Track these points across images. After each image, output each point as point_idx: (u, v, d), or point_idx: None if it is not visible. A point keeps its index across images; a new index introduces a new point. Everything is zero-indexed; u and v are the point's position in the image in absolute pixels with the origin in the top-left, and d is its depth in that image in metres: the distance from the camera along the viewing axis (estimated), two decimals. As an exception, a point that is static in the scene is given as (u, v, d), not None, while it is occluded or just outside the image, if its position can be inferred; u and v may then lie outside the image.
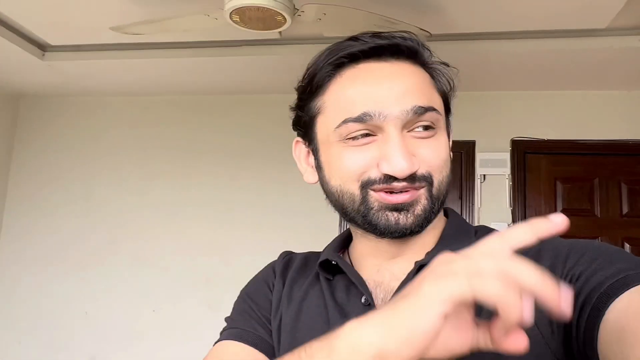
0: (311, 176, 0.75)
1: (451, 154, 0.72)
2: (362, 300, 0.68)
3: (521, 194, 2.97)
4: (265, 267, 0.85)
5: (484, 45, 2.52)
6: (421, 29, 1.98)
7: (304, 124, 0.73)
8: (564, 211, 2.93)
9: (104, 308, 3.18)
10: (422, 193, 0.65)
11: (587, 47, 2.45)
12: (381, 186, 0.64)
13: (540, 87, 2.97)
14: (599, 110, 2.95)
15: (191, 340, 3.00)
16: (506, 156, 2.98)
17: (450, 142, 0.73)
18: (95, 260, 3.24)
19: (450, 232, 0.72)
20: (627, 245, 2.86)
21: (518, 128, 2.99)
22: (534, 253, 0.61)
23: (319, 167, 0.72)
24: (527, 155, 2.99)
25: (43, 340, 3.20)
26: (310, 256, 0.82)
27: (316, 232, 3.06)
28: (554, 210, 2.93)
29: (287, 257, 0.84)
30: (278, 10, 1.83)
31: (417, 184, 0.64)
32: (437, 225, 0.73)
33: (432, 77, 0.70)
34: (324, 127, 0.69)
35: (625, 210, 2.90)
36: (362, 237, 0.72)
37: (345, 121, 0.65)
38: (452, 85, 0.72)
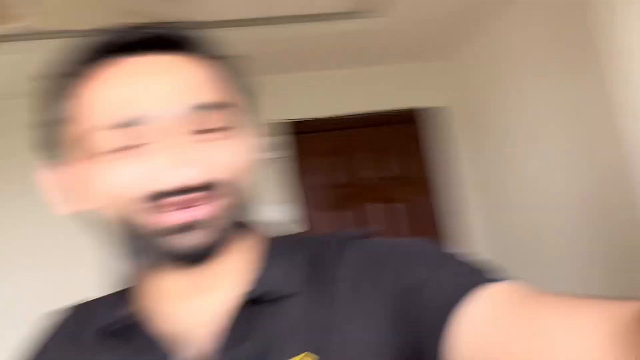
0: (66, 205, 0.57)
1: (260, 157, 0.60)
2: None
3: (296, 174, 3.05)
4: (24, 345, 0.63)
5: (235, 32, 2.45)
6: (168, 20, 1.80)
7: (49, 141, 0.56)
8: (328, 184, 3.09)
9: None
10: (213, 205, 0.52)
11: (318, 30, 2.56)
12: (151, 205, 0.50)
13: (297, 69, 3.05)
14: (345, 87, 3.14)
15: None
16: (277, 139, 3.01)
17: (259, 143, 0.61)
18: None
19: (279, 248, 0.60)
20: (389, 207, 3.13)
21: (283, 110, 3.02)
22: (382, 259, 0.55)
23: (73, 192, 0.56)
24: (295, 135, 3.06)
25: None
26: (86, 310, 0.62)
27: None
28: (321, 184, 3.07)
29: (52, 321, 0.64)
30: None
31: (201, 195, 0.51)
32: (250, 243, 0.59)
33: (220, 71, 0.57)
34: (75, 141, 0.54)
35: (380, 175, 3.15)
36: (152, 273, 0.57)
37: (100, 131, 0.51)
38: (244, 79, 0.60)
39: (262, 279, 0.56)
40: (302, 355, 0.51)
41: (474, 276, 0.50)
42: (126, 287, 0.61)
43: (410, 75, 3.21)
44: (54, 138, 0.56)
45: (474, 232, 3.14)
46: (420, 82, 3.22)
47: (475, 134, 3.11)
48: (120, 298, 0.59)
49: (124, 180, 0.51)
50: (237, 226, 0.55)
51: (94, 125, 0.52)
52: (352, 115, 3.10)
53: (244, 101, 0.59)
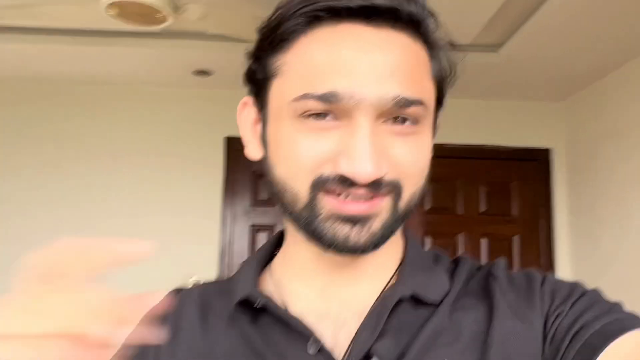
0: (255, 151, 0.58)
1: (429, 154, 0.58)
2: (309, 349, 0.52)
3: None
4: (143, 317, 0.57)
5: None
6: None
7: (257, 82, 0.56)
8: (430, 209, 3.17)
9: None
10: (386, 204, 0.51)
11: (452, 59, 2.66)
12: (336, 188, 0.50)
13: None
14: (460, 116, 3.22)
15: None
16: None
17: (432, 143, 0.58)
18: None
19: (414, 258, 0.59)
20: (483, 241, 3.17)
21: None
22: (537, 287, 0.56)
23: (264, 143, 0.56)
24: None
25: None
26: (213, 289, 0.62)
27: (200, 238, 3.04)
28: (422, 208, 3.16)
29: (178, 299, 0.60)
30: (158, 8, 1.79)
31: (382, 191, 0.50)
32: (396, 245, 0.60)
33: (432, 57, 0.55)
34: (279, 94, 0.52)
35: (482, 208, 3.21)
36: (303, 243, 0.55)
37: (305, 96, 0.49)
38: (452, 71, 0.58)
39: (408, 281, 0.56)
40: None
41: (622, 320, 0.50)
42: (265, 259, 0.62)
43: (520, 113, 3.25)
44: (259, 81, 0.55)
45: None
46: (529, 121, 3.26)
47: (576, 178, 3.09)
48: (259, 269, 0.60)
49: (314, 152, 0.50)
50: (393, 230, 0.53)
51: (298, 86, 0.50)
52: (455, 145, 3.19)
53: (434, 94, 0.56)
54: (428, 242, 3.15)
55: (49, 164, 3.07)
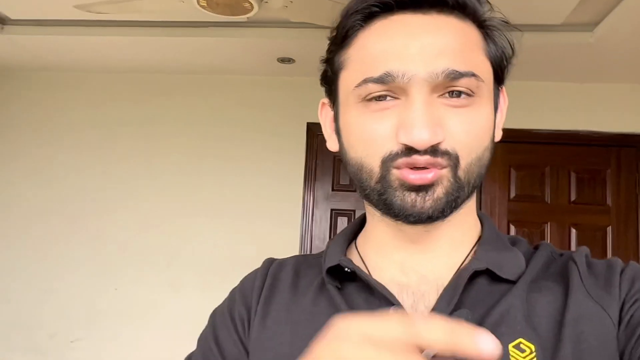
0: (332, 143, 0.65)
1: (497, 134, 0.62)
2: (392, 312, 0.56)
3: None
4: (243, 279, 0.70)
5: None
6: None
7: (329, 80, 0.63)
8: (516, 197, 3.06)
9: (65, 286, 3.17)
10: (446, 173, 0.55)
11: (543, 41, 2.55)
12: (403, 161, 0.54)
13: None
14: (553, 101, 3.08)
15: (152, 319, 3.03)
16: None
17: (499, 119, 0.63)
18: (57, 237, 3.22)
19: (490, 237, 0.62)
20: (573, 231, 3.02)
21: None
22: (616, 273, 0.57)
23: (338, 133, 0.63)
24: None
25: (2, 318, 3.18)
26: (303, 261, 0.69)
27: (281, 221, 3.13)
28: (507, 196, 3.06)
29: (274, 266, 0.69)
30: (246, -2, 1.85)
31: (439, 160, 0.54)
32: (471, 224, 0.64)
33: (486, 37, 0.59)
34: (345, 85, 0.59)
35: (573, 197, 3.06)
36: (381, 221, 0.61)
37: (365, 81, 0.55)
38: (512, 49, 0.62)
39: (483, 257, 0.58)
40: (517, 341, 0.53)
41: None
42: (351, 236, 0.68)
43: (617, 96, 3.05)
44: (330, 79, 0.63)
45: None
46: (627, 105, 3.05)
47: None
48: (345, 244, 0.66)
49: (379, 132, 0.55)
50: (459, 197, 0.56)
51: (359, 73, 0.56)
52: (546, 130, 3.05)
53: (496, 75, 0.60)
54: (513, 231, 3.05)
55: (140, 152, 3.26)
